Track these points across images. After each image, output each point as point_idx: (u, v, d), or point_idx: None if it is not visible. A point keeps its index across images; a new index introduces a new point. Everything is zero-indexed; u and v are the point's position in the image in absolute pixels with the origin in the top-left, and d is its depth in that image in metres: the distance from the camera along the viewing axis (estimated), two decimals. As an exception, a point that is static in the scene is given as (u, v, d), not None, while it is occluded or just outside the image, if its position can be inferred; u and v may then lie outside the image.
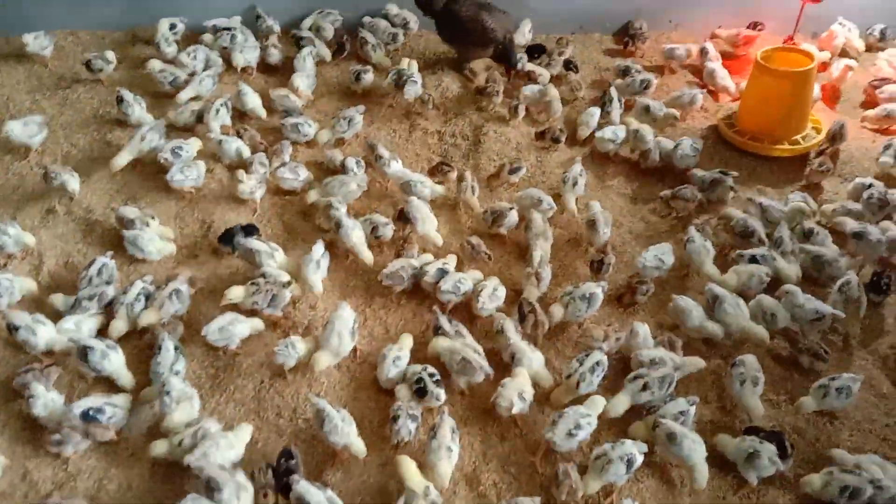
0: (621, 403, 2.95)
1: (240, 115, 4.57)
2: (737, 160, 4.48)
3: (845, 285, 3.41)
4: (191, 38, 5.16)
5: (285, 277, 3.35)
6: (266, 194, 4.06)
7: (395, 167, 4.10)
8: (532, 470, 2.86)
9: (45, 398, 2.85)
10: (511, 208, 3.81)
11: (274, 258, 3.48)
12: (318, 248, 3.41)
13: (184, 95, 4.53)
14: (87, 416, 2.79)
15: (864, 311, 3.45)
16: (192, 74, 4.74)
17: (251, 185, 3.93)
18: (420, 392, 2.94)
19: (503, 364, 3.14)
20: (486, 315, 3.36)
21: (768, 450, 2.78)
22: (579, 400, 2.96)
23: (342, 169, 4.11)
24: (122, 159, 4.00)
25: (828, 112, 4.90)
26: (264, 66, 5.08)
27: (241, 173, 3.95)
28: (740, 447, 2.82)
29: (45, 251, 3.65)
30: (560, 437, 2.77)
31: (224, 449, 2.68)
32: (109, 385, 3.06)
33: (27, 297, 3.40)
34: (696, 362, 3.18)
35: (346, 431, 2.76)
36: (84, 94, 4.75)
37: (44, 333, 3.09)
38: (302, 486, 2.52)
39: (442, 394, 2.96)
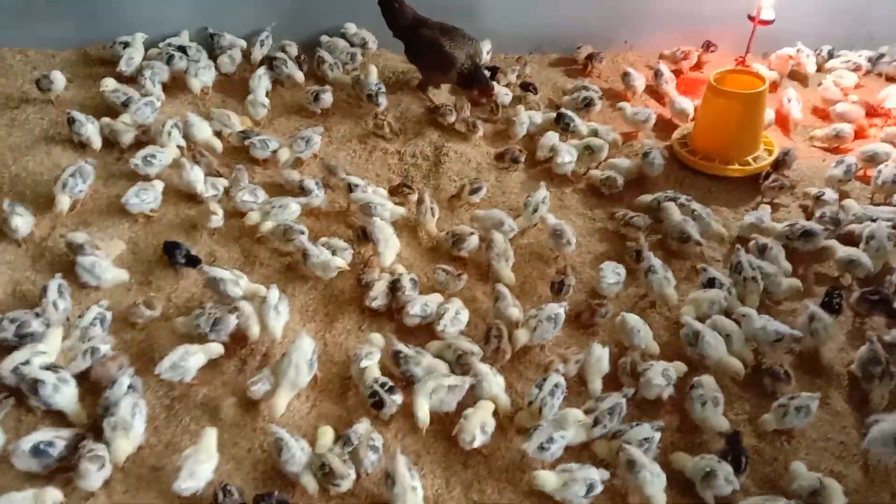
0: (579, 437, 2.96)
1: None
2: (692, 180, 4.56)
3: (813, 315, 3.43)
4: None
5: (243, 303, 3.29)
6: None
7: (368, 192, 4.08)
8: (496, 495, 2.85)
9: None
10: (472, 233, 3.82)
11: (239, 285, 3.43)
12: (274, 294, 3.31)
13: (125, 120, 4.43)
14: (37, 451, 2.69)
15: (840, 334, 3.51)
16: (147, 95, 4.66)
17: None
18: (377, 405, 2.94)
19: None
20: (447, 337, 3.35)
21: (725, 469, 2.81)
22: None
23: (301, 190, 4.06)
24: (62, 205, 3.84)
25: (780, 134, 5.04)
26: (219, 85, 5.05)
27: (214, 205, 3.86)
28: (698, 466, 2.84)
29: (-9, 279, 3.53)
30: (532, 449, 2.83)
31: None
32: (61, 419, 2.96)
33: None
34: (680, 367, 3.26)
35: (303, 462, 2.72)
36: (34, 114, 4.62)
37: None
38: None
39: (398, 398, 2.98)
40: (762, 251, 3.84)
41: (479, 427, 2.87)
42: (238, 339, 3.30)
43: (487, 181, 4.43)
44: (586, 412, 2.97)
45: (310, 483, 2.73)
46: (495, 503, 2.83)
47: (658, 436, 2.94)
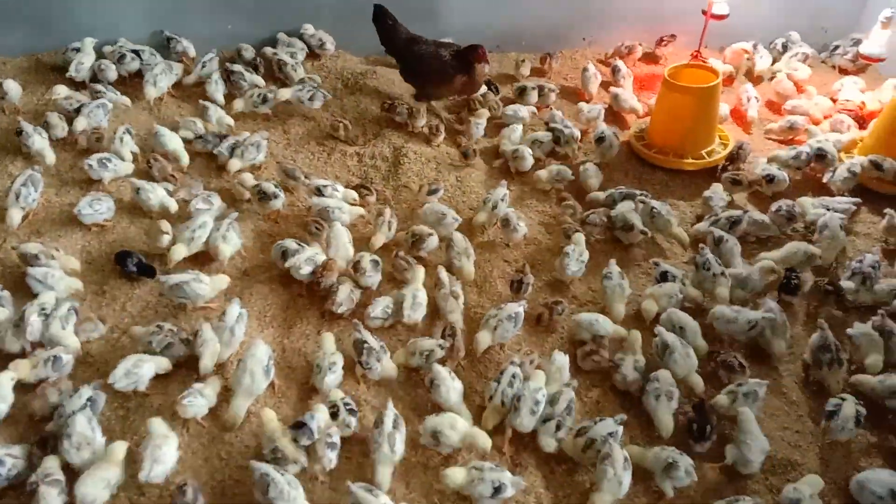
0: (549, 446, 2.96)
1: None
2: (650, 174, 4.61)
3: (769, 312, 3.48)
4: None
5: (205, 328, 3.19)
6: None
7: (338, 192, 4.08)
8: (456, 497, 2.85)
9: None
10: (431, 233, 3.82)
11: (203, 281, 3.42)
12: (234, 311, 3.24)
13: (78, 126, 4.34)
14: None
15: (789, 330, 3.54)
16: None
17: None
18: (333, 416, 2.92)
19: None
20: (411, 323, 3.39)
21: (686, 461, 2.84)
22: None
23: (260, 195, 4.01)
24: (14, 220, 3.77)
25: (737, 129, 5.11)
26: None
27: (164, 224, 3.75)
28: (659, 457, 2.86)
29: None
30: (525, 419, 2.93)
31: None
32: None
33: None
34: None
35: (293, 496, 2.61)
36: (-16, 123, 4.53)
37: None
38: None
39: (353, 421, 2.94)
40: (717, 243, 3.89)
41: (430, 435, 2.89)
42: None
43: (447, 181, 4.43)
44: (545, 420, 2.98)
45: None
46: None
47: (621, 430, 2.96)
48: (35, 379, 3.03)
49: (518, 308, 3.38)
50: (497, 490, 2.66)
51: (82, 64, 4.78)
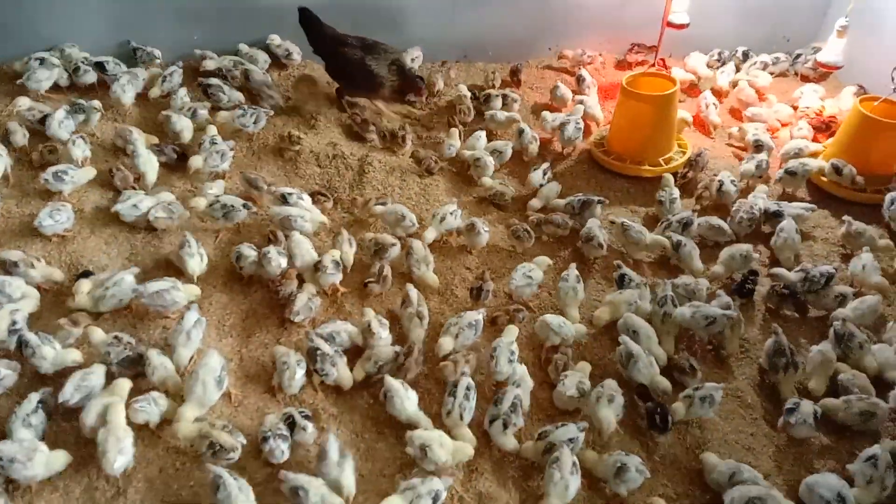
0: (509, 444, 3.00)
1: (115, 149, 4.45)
2: (611, 181, 4.66)
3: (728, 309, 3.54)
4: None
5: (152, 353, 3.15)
6: (142, 232, 3.95)
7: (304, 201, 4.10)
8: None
9: None
10: (394, 243, 3.83)
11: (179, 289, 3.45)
12: (192, 317, 3.23)
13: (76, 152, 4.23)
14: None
15: (742, 329, 3.60)
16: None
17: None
18: (290, 426, 2.92)
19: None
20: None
21: (634, 461, 2.88)
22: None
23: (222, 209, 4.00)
24: None
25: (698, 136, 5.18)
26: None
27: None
28: (608, 463, 2.89)
29: None
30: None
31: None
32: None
33: None
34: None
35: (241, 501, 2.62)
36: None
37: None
38: None
39: (310, 426, 2.94)
40: (676, 248, 3.94)
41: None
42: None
43: (411, 189, 4.46)
44: (492, 421, 3.00)
45: None
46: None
47: (582, 436, 2.99)
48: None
49: (478, 316, 3.41)
50: (436, 498, 2.67)
51: (40, 79, 4.75)
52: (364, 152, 4.66)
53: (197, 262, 3.66)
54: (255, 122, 4.66)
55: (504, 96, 5.23)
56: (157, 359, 3.10)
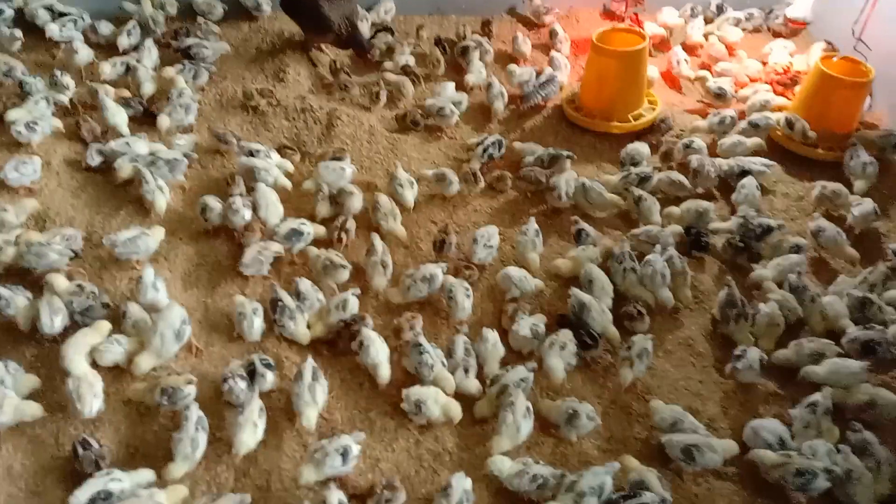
0: (473, 387, 3.13)
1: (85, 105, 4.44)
2: (578, 137, 4.69)
3: (670, 259, 3.63)
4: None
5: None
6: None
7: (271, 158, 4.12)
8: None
9: None
10: (351, 192, 3.89)
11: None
12: (149, 274, 3.27)
13: (11, 116, 4.10)
14: None
15: (690, 279, 3.68)
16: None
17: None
18: (250, 375, 3.01)
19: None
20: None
21: (586, 409, 3.00)
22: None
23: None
24: None
25: (669, 91, 5.21)
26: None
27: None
28: (561, 409, 3.02)
29: None
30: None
31: None
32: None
33: None
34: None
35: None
36: None
37: None
38: None
39: (270, 375, 3.04)
40: (637, 202, 4.03)
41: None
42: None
43: (379, 143, 4.49)
44: (452, 371, 3.12)
45: None
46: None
47: (532, 376, 3.10)
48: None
49: (436, 269, 3.46)
50: (345, 454, 2.74)
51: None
52: (333, 106, 4.66)
53: (161, 197, 3.74)
54: (194, 78, 4.64)
55: (479, 44, 5.21)
56: (136, 312, 3.18)
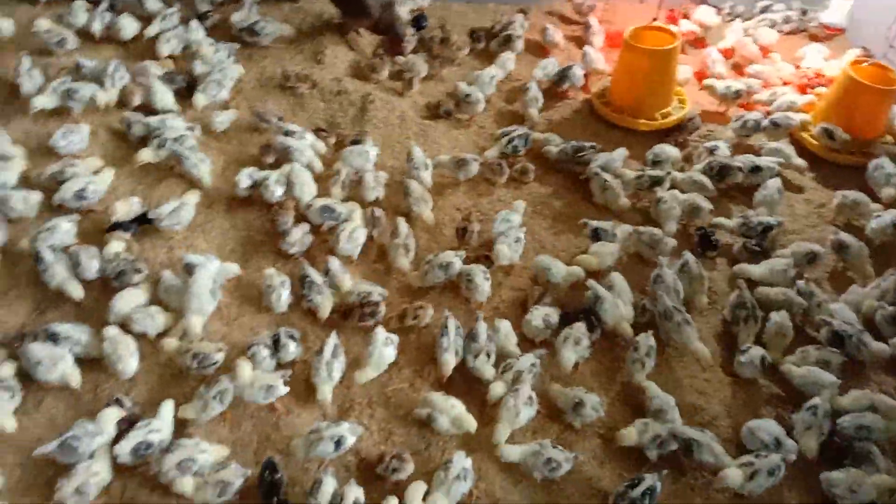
0: (488, 373, 3.27)
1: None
2: (607, 133, 4.77)
3: (685, 265, 3.72)
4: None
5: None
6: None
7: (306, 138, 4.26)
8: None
9: None
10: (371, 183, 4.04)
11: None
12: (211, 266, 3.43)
13: (38, 103, 4.22)
14: None
15: (707, 284, 3.75)
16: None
17: None
18: (275, 344, 3.22)
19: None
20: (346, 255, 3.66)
21: (592, 400, 3.14)
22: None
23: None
24: None
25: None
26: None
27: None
28: (568, 396, 3.17)
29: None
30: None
31: None
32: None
33: None
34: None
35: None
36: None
37: None
38: None
39: (293, 346, 3.23)
40: (658, 202, 4.10)
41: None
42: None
43: (410, 129, 4.62)
44: (475, 355, 3.27)
45: None
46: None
47: (539, 362, 3.25)
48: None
49: (454, 258, 3.60)
50: (338, 443, 2.89)
51: None
52: (368, 90, 4.80)
53: (205, 168, 3.97)
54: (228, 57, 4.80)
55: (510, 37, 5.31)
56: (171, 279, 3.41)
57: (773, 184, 4.23)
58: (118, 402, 2.95)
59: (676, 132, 4.73)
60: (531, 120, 4.73)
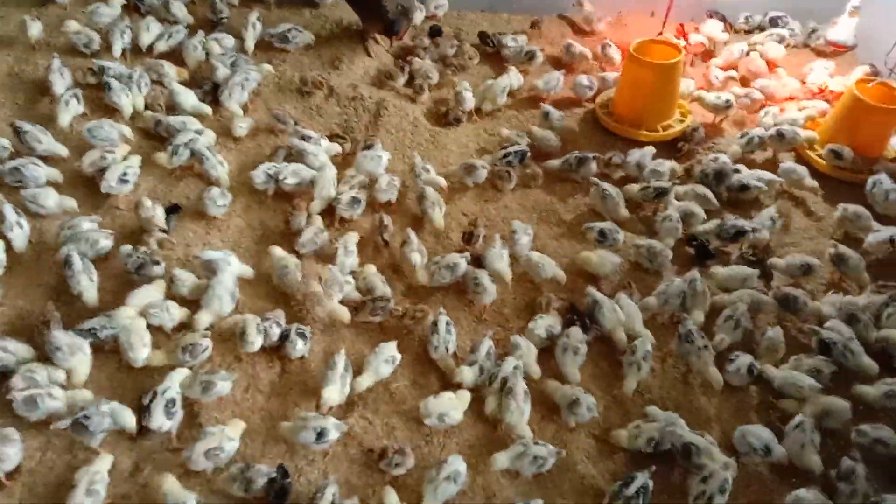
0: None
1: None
2: (610, 143, 4.90)
3: (692, 283, 3.78)
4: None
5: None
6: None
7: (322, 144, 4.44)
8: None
9: None
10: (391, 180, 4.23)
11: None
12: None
13: (62, 121, 4.36)
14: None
15: (708, 301, 3.82)
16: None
17: None
18: (283, 338, 3.39)
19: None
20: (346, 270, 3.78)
21: (588, 400, 3.28)
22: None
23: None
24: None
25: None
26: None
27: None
28: (565, 394, 3.30)
29: None
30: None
31: None
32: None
33: None
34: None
35: None
36: None
37: None
38: None
39: (301, 344, 3.38)
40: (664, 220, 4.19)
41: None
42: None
43: (422, 136, 4.78)
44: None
45: None
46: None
47: (521, 363, 3.38)
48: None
49: (459, 260, 3.75)
50: (320, 435, 3.02)
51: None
52: (382, 96, 4.96)
53: (223, 170, 4.18)
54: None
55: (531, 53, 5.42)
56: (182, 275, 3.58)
57: (767, 213, 4.31)
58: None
59: (683, 142, 4.84)
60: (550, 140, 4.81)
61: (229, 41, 5.13)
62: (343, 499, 2.93)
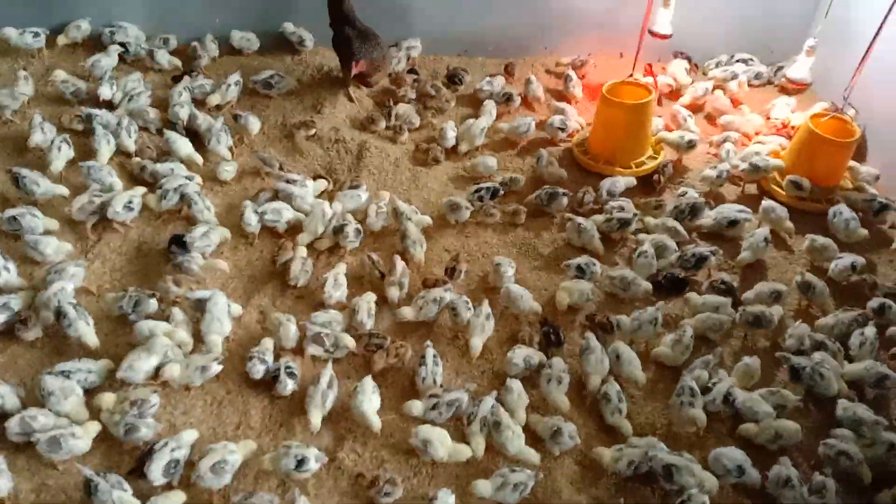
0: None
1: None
2: (584, 180, 5.07)
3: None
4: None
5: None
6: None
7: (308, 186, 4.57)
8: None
9: None
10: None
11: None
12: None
13: (55, 168, 4.43)
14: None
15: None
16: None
17: None
18: (274, 379, 3.48)
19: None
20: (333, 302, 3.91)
21: (569, 428, 3.40)
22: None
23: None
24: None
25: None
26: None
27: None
28: (546, 425, 3.42)
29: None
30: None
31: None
32: None
33: None
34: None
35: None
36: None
37: None
38: None
39: (290, 384, 3.47)
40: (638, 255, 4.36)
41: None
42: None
43: (402, 175, 4.95)
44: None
45: None
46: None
47: (497, 403, 3.48)
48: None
49: (444, 293, 3.90)
50: (300, 463, 3.10)
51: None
52: (364, 138, 5.12)
53: (210, 214, 4.30)
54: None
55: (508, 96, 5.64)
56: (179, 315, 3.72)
57: (762, 231, 4.51)
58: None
59: (657, 178, 5.03)
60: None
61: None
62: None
